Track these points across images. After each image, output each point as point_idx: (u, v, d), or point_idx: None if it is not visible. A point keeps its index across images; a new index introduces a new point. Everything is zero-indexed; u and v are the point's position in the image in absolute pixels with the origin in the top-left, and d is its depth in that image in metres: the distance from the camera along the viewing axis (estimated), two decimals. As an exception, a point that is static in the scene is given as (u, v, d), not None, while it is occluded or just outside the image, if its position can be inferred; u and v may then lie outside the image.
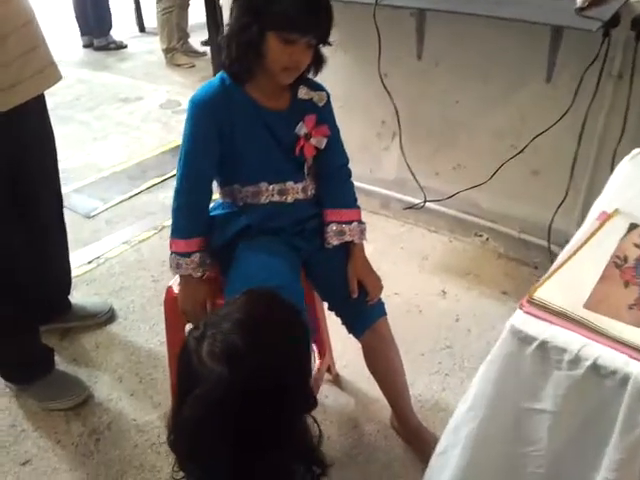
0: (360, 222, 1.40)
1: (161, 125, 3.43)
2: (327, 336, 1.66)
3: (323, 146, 1.31)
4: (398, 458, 1.52)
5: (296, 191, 1.34)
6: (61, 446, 1.58)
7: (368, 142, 2.39)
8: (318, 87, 1.33)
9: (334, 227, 1.37)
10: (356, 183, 1.42)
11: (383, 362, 1.46)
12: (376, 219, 2.45)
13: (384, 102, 2.18)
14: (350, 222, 1.37)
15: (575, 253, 0.93)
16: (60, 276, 1.85)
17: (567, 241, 2.06)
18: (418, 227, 2.41)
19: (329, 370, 1.72)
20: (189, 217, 1.30)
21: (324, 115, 1.32)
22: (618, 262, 0.90)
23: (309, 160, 1.34)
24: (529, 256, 2.19)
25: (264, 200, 1.31)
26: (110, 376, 1.80)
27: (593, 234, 0.97)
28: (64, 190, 1.79)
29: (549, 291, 0.84)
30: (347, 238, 1.37)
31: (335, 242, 1.36)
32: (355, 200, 1.43)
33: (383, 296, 1.42)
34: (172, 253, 1.31)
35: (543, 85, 1.89)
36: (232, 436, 0.77)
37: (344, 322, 1.42)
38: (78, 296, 2.02)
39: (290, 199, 1.33)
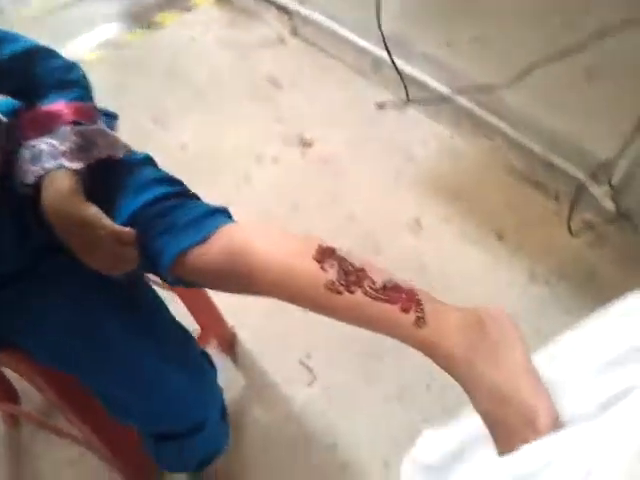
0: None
1: None
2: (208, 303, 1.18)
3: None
4: (279, 459, 1.17)
5: None
6: None
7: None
8: None
9: None
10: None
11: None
12: (360, 86, 1.79)
13: None
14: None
15: None
16: None
17: (610, 183, 1.46)
18: (414, 107, 1.75)
19: (220, 337, 1.28)
20: None
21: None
22: None
23: None
24: (551, 181, 1.57)
25: None
26: None
27: None
28: None
29: None
30: None
31: None
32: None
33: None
34: None
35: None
36: None
37: None
38: None
39: None
